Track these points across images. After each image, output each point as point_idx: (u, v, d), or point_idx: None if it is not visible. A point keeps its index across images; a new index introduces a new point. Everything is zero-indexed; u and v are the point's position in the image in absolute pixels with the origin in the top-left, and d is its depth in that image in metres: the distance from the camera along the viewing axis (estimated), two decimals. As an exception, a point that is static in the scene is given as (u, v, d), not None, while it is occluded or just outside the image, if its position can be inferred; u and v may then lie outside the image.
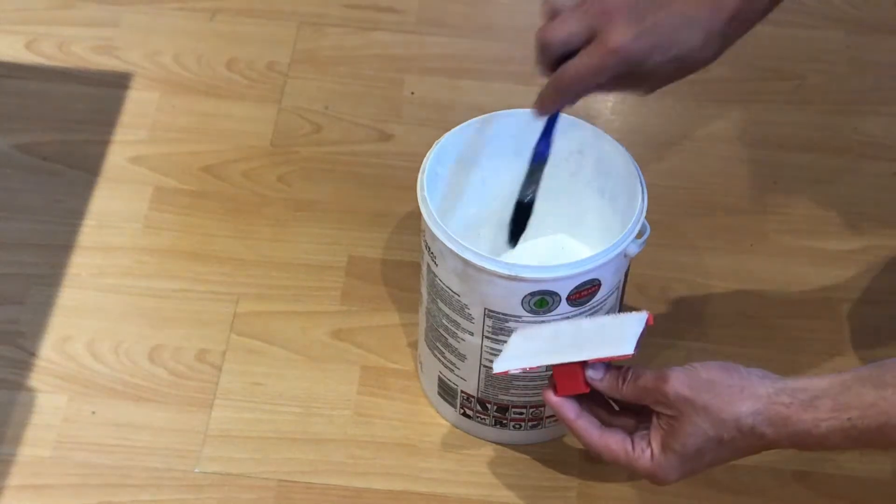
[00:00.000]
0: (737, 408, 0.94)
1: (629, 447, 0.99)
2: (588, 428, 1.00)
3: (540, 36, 1.02)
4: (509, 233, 1.09)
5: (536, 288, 1.03)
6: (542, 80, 1.04)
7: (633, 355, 0.97)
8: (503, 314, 1.05)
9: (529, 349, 1.02)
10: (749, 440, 0.94)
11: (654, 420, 0.98)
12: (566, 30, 1.00)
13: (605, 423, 1.01)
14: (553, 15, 1.02)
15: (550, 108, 1.04)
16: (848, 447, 0.92)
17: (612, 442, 0.99)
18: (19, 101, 1.40)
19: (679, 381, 0.95)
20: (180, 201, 1.32)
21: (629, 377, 0.98)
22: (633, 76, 1.00)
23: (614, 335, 0.98)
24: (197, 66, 1.45)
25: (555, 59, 1.02)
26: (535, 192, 1.07)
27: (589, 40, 1.00)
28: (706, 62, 1.01)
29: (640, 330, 0.98)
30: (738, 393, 0.94)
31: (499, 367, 1.02)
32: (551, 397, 1.01)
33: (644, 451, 0.98)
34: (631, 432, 1.00)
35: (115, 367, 1.19)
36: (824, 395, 0.92)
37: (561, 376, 1.00)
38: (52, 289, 1.24)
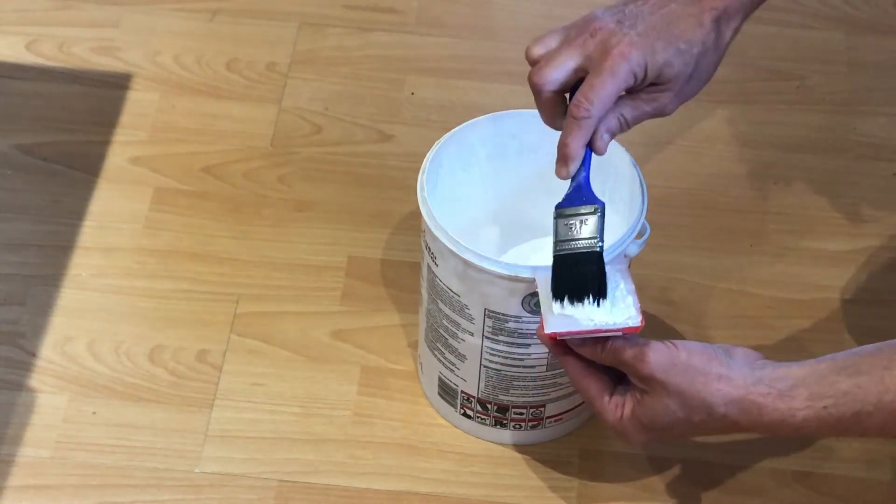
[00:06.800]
0: (711, 395, 0.94)
1: (606, 397, 0.99)
2: (576, 364, 0.99)
3: (531, 80, 0.99)
4: (584, 290, 0.98)
5: (537, 288, 1.02)
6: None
7: (641, 327, 0.96)
8: (503, 314, 1.05)
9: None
10: (721, 424, 0.95)
11: (631, 387, 0.98)
12: (556, 62, 0.98)
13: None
14: (538, 58, 1.00)
15: (577, 147, 0.99)
16: (824, 434, 0.94)
17: (592, 386, 0.99)
18: (19, 101, 1.40)
19: (656, 363, 0.95)
20: (180, 201, 1.32)
21: (608, 346, 0.97)
22: (647, 88, 0.98)
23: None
24: (197, 67, 1.45)
25: (553, 99, 0.99)
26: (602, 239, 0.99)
27: (584, 68, 0.98)
28: (711, 62, 0.99)
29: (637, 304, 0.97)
30: (714, 381, 0.94)
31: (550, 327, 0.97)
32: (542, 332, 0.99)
33: (617, 408, 0.98)
34: (615, 381, 1.00)
35: (116, 367, 1.20)
36: (801, 383, 0.93)
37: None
38: (52, 289, 1.24)
